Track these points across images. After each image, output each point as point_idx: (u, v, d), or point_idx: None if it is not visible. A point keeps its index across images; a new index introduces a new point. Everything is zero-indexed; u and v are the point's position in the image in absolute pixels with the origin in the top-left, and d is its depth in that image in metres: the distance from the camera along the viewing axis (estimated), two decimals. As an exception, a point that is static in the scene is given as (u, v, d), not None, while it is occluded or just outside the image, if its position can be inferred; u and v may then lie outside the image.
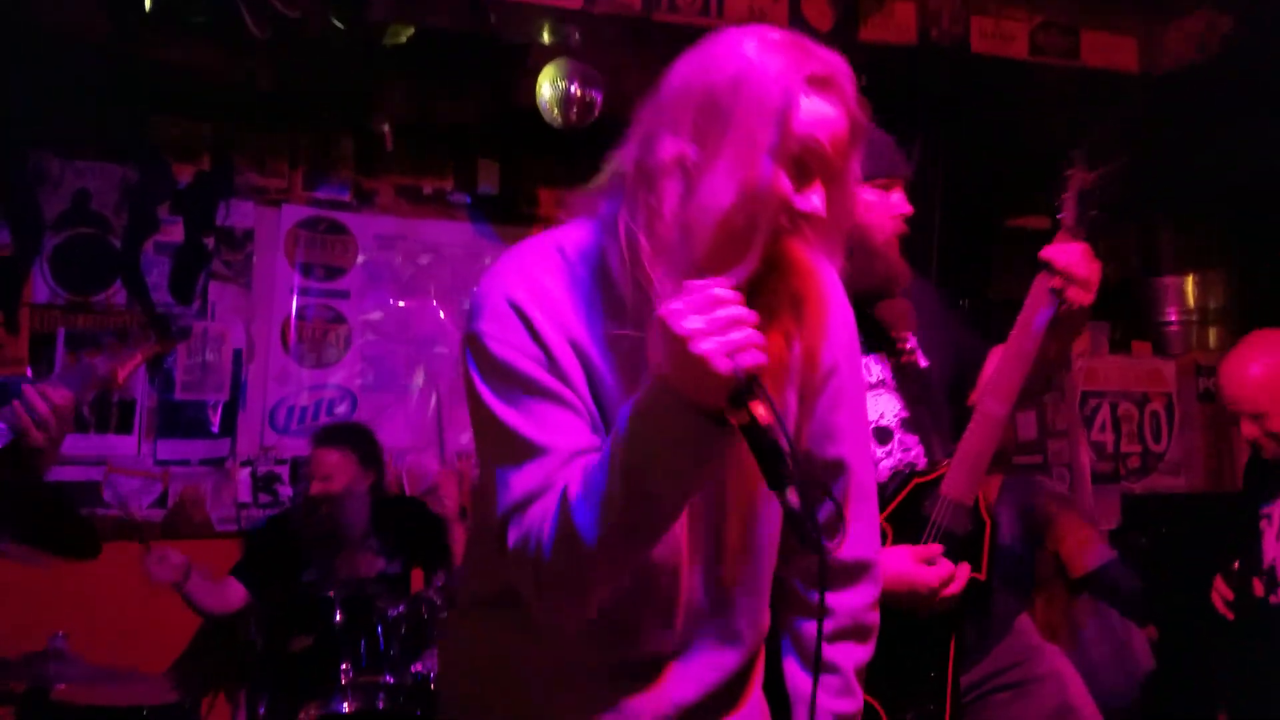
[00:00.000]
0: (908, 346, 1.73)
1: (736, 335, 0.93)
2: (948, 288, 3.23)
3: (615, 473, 0.99)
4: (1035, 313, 1.62)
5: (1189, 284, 3.90)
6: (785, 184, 1.02)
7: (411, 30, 3.21)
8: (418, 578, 3.16)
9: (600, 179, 1.14)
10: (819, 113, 1.02)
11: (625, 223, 1.06)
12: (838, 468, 1.25)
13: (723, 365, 0.92)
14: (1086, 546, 3.16)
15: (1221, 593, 2.26)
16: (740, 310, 0.95)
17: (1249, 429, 2.23)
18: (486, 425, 1.09)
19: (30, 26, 3.19)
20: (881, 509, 1.55)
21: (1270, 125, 3.09)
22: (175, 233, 3.79)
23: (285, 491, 3.75)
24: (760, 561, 1.21)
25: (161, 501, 3.63)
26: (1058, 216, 1.67)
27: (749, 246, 1.01)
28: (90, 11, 3.14)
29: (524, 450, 1.07)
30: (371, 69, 3.46)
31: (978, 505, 1.65)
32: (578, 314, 1.09)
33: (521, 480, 1.06)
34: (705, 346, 0.92)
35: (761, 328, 0.97)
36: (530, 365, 1.07)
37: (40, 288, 3.64)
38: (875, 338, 1.70)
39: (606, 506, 1.00)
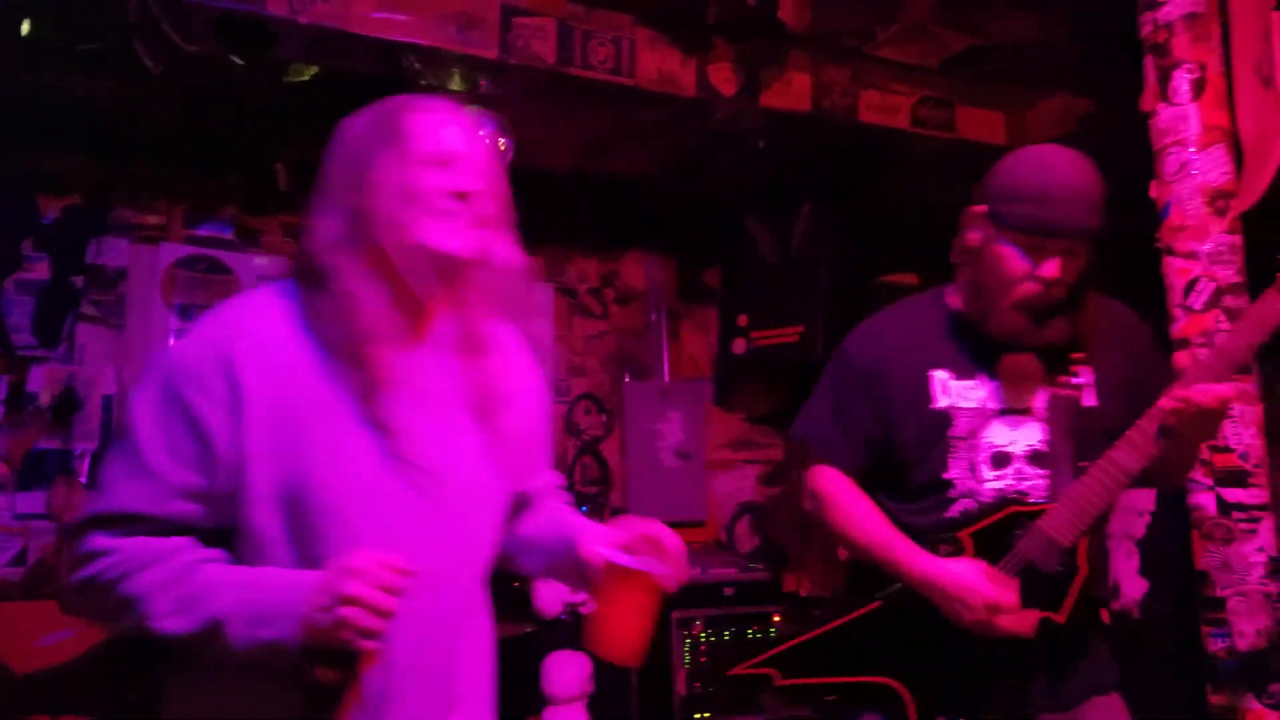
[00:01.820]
0: (1073, 380, 1.67)
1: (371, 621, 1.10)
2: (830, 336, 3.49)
3: (207, 605, 1.13)
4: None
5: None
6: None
7: (315, 69, 3.24)
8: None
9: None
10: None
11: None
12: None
13: (346, 635, 1.10)
14: None
15: None
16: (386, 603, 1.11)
17: None
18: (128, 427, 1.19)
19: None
20: (972, 524, 1.65)
21: (1120, 195, 3.50)
22: (40, 270, 3.64)
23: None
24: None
25: (21, 559, 3.44)
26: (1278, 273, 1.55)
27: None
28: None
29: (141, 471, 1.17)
30: (271, 107, 3.46)
31: (1076, 550, 1.60)
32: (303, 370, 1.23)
33: (135, 495, 1.17)
34: (347, 614, 1.09)
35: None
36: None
37: (-120, 327, 3.44)
38: (1042, 366, 1.69)
39: (185, 620, 1.14)
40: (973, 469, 1.68)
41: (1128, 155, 2.43)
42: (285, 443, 1.18)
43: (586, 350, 4.49)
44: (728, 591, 3.63)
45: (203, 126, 3.66)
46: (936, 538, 1.66)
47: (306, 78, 3.29)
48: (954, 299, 1.80)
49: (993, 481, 1.67)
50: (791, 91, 3.33)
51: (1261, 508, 1.98)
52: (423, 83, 3.12)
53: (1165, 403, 1.54)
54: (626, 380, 4.50)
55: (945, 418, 1.70)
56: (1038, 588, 1.59)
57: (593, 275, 4.56)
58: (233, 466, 1.17)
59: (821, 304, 3.87)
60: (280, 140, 3.70)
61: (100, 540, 1.16)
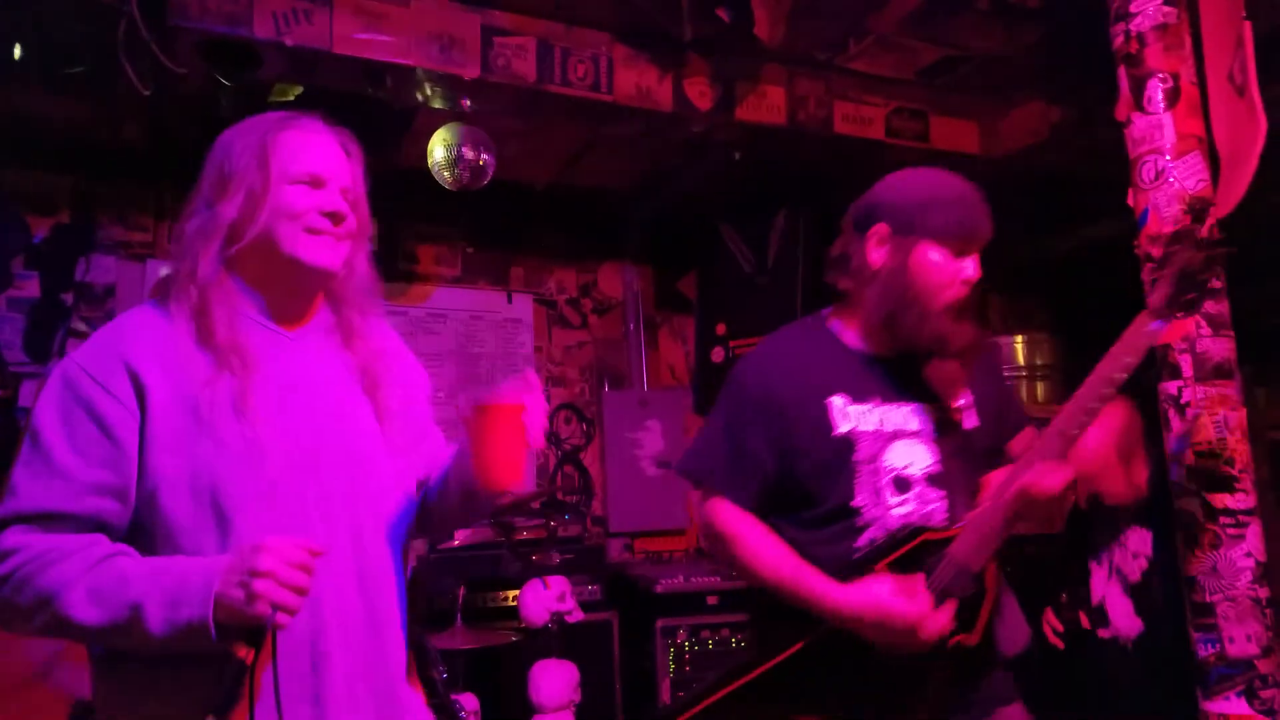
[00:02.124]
0: (957, 404, 1.66)
1: (287, 594, 1.09)
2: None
3: (124, 593, 1.12)
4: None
5: (1018, 343, 4.20)
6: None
7: (300, 89, 3.15)
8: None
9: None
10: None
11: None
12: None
13: (260, 609, 1.09)
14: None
15: (1052, 624, 2.45)
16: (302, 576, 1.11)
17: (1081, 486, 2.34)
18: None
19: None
20: (885, 555, 1.57)
21: (1090, 203, 3.44)
22: (30, 288, 3.55)
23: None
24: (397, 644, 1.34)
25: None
26: (1147, 299, 1.54)
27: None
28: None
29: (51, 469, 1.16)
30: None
31: (984, 573, 1.56)
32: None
33: (43, 493, 1.16)
34: (260, 587, 1.08)
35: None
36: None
37: (-124, 346, 3.32)
38: (919, 388, 1.66)
39: (102, 610, 1.12)
40: (877, 494, 1.61)
41: (1102, 162, 2.36)
42: (189, 435, 1.19)
43: (566, 360, 4.42)
44: (710, 600, 3.53)
45: (185, 145, 3.54)
46: (849, 571, 1.57)
47: (291, 98, 3.20)
48: (841, 328, 1.73)
49: (898, 507, 1.61)
50: (766, 105, 3.27)
51: (1248, 512, 1.90)
52: (418, 99, 3.04)
53: (1009, 493, 1.51)
54: (605, 389, 4.42)
55: (847, 443, 1.63)
56: (953, 610, 1.53)
57: (571, 286, 4.49)
58: (141, 461, 1.18)
59: (798, 312, 3.79)
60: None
61: (13, 539, 1.14)
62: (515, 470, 1.26)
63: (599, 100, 3.04)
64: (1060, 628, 2.41)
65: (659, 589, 3.52)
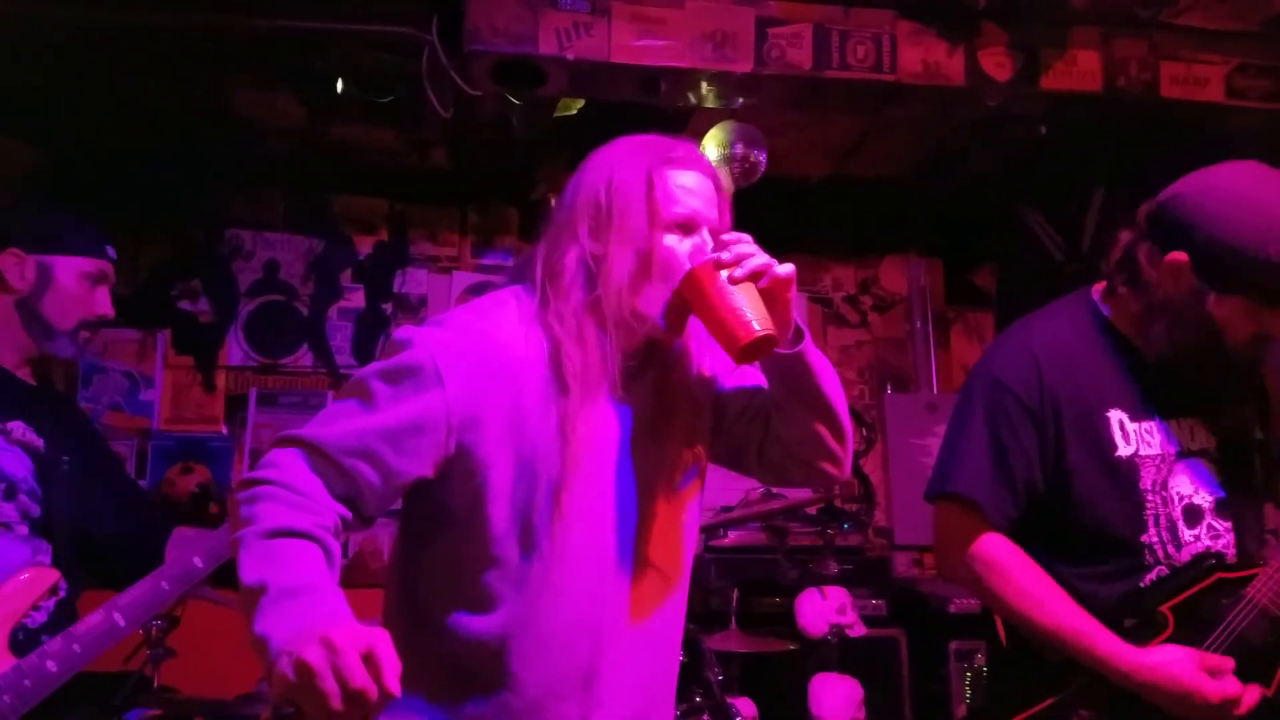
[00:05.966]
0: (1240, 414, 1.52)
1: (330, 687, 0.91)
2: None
3: (279, 564, 1.03)
4: None
5: None
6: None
7: (582, 102, 3.23)
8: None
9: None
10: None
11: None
12: None
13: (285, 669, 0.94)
14: None
15: None
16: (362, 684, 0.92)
17: None
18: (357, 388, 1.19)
19: (229, 116, 3.38)
20: (1173, 595, 1.42)
21: None
22: (357, 299, 3.93)
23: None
24: (677, 625, 1.35)
25: (343, 551, 3.69)
26: None
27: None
28: (286, 99, 3.29)
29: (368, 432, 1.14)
30: (539, 142, 3.51)
31: None
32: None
33: (334, 434, 1.14)
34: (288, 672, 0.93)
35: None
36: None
37: (234, 351, 3.81)
38: (1202, 394, 1.48)
39: (248, 570, 1.04)
40: (1171, 529, 1.44)
41: None
42: (518, 456, 1.19)
43: (842, 361, 4.18)
44: (1012, 623, 3.20)
45: (483, 169, 3.81)
46: (1131, 608, 1.43)
47: (574, 111, 3.29)
48: (1115, 317, 1.51)
49: (1190, 543, 1.45)
50: (1077, 71, 2.89)
51: None
52: (693, 101, 3.02)
53: None
54: (888, 392, 4.15)
55: (1133, 469, 1.44)
56: (1246, 658, 1.39)
57: (849, 282, 4.26)
58: (477, 463, 1.17)
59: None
60: (546, 174, 3.77)
61: (279, 456, 1.13)
62: (744, 325, 1.17)
63: (881, 81, 2.83)
64: None
65: (953, 608, 3.24)
